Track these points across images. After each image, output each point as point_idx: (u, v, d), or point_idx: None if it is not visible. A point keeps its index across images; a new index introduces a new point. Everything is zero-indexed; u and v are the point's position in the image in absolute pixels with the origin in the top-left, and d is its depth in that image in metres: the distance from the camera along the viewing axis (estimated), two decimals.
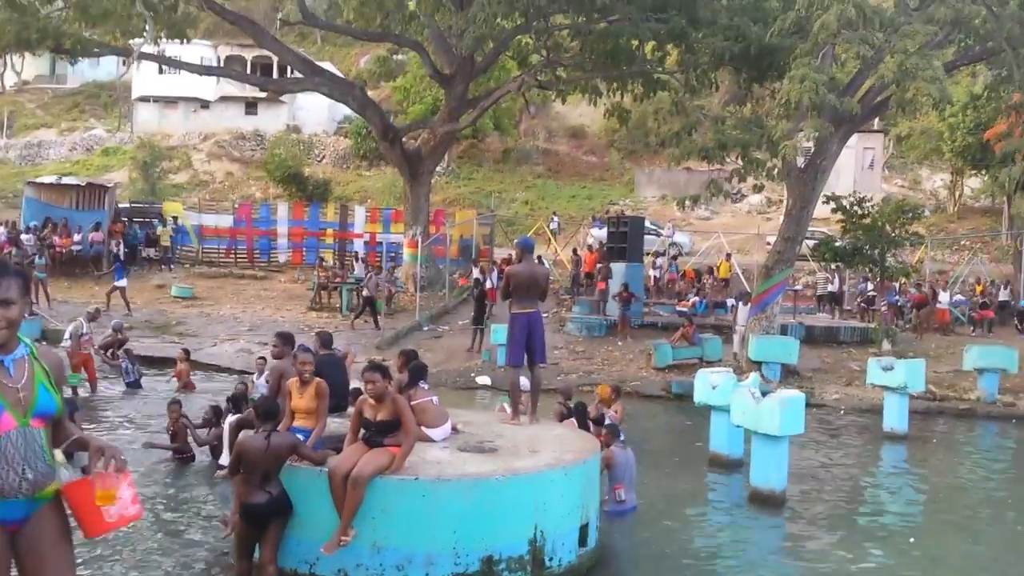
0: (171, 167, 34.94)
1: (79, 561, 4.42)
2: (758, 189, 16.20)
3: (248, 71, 35.70)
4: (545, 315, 19.32)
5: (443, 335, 17.10)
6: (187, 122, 38.56)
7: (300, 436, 5.36)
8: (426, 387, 6.07)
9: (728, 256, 21.91)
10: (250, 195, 32.50)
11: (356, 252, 22.00)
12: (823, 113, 12.69)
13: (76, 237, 20.83)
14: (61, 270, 20.00)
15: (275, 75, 34.63)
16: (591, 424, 7.92)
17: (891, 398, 10.91)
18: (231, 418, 7.42)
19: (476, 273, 18.94)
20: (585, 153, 39.96)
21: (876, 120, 26.39)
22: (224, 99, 38.57)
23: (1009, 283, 20.97)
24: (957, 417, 12.45)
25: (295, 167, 30.92)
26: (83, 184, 22.23)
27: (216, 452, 7.83)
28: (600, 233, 25.37)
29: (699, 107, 17.45)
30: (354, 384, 7.11)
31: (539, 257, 20.98)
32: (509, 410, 7.04)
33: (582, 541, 5.29)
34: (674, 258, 22.46)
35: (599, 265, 18.36)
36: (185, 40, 18.89)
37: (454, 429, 6.02)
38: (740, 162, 14.21)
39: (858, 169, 31.33)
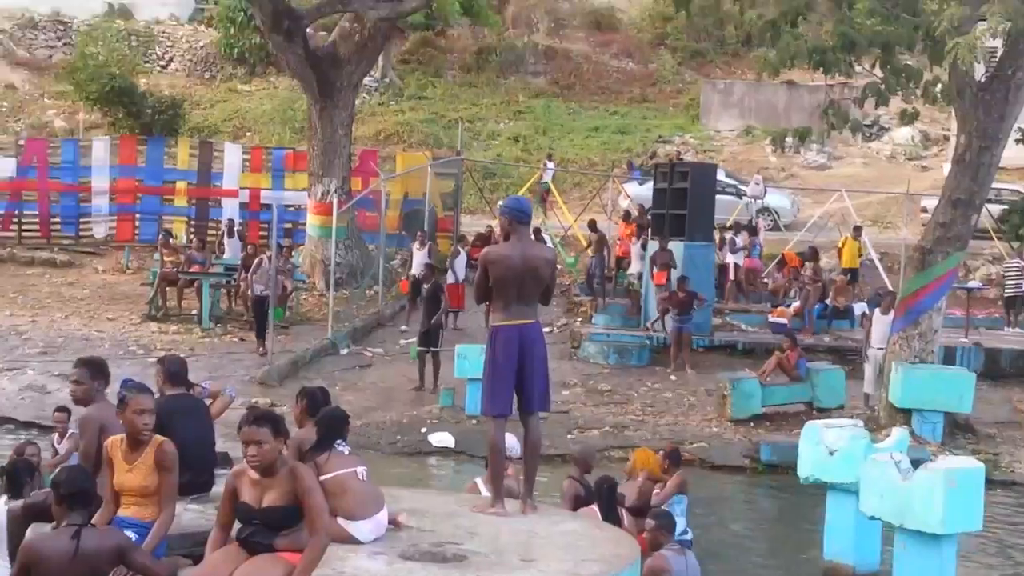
0: None
1: None
2: (908, 119, 16.37)
3: None
4: (548, 329, 19.98)
5: (374, 362, 17.19)
6: None
7: (131, 533, 5.37)
8: (345, 451, 6.05)
9: (857, 231, 22.18)
10: (45, 124, 32.34)
11: (228, 222, 22.00)
12: None
13: None
14: None
15: None
16: (625, 514, 8.04)
17: None
18: (9, 505, 7.35)
19: (420, 256, 19.26)
20: (616, 56, 40.28)
21: None
22: None
23: None
24: None
25: (123, 77, 30.24)
26: None
27: None
28: (640, 191, 25.72)
29: None
30: (225, 447, 7.16)
31: (537, 231, 21.54)
32: (486, 490, 7.13)
33: None
34: (754, 234, 22.64)
35: (650, 245, 18.62)
36: None
37: (392, 522, 6.12)
38: (879, 73, 14.27)
39: None
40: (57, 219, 23.81)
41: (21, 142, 25.31)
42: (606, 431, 14.15)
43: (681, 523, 8.61)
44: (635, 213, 22.48)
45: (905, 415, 13.65)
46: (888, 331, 14.51)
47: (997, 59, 14.38)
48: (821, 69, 14.37)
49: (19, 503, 7.03)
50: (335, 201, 19.31)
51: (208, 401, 7.10)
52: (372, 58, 23.34)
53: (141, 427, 5.59)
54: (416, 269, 18.89)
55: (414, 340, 16.10)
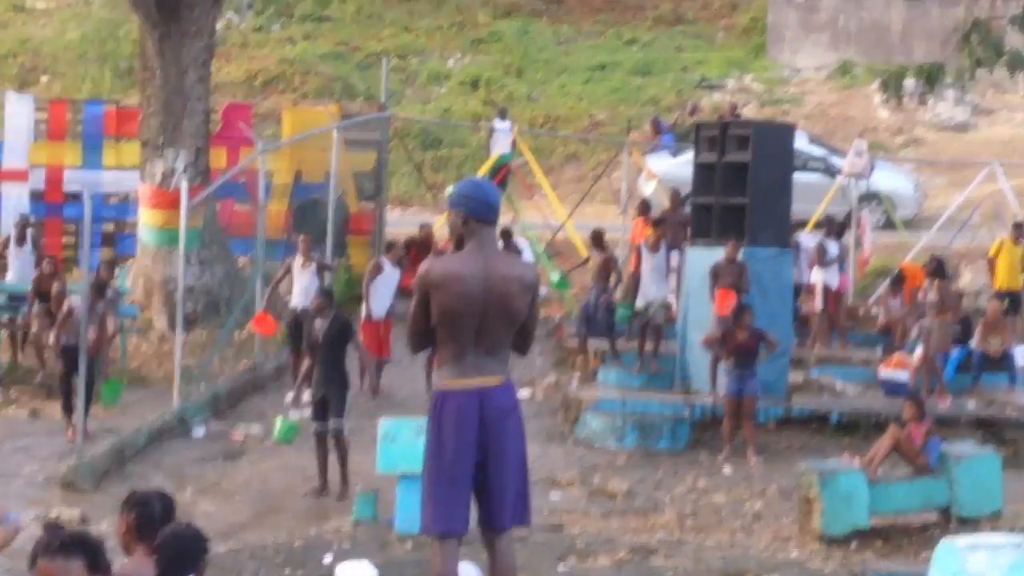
0: None
1: None
2: None
3: None
4: (527, 393, 19.54)
5: (248, 449, 17.20)
6: None
7: None
8: None
9: (1020, 231, 22.28)
10: None
11: (19, 219, 21.84)
12: None
13: None
14: None
15: None
16: None
17: None
18: None
19: (304, 277, 19.02)
20: None
21: None
22: None
23: None
24: None
25: None
26: None
27: None
28: (673, 166, 25.83)
29: None
30: None
31: (507, 235, 21.46)
32: None
33: None
34: (838, 236, 22.70)
35: (689, 252, 18.81)
36: None
37: None
38: None
39: None
40: None
41: None
42: (621, 559, 14.12)
43: None
44: (665, 203, 22.61)
45: None
46: None
47: None
48: None
49: None
50: (184, 187, 19.23)
51: None
52: None
53: None
54: (298, 298, 18.80)
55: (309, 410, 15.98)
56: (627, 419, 17.66)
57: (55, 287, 18.35)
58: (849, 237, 23.21)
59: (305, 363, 15.93)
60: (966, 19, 17.44)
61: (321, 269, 19.45)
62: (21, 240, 20.96)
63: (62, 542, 5.20)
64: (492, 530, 6.96)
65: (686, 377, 18.69)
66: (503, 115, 29.40)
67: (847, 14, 35.86)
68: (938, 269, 19.90)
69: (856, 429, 17.37)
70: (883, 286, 22.70)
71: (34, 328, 18.48)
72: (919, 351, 19.07)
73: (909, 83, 15.78)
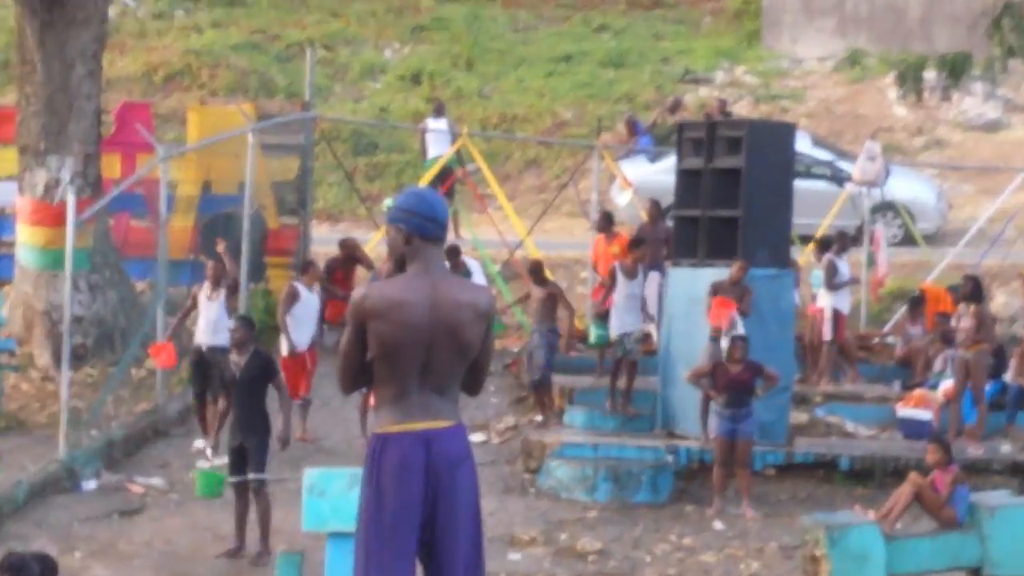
0: None
1: None
2: None
3: None
4: (482, 439, 19.57)
5: (148, 505, 17.15)
6: None
7: None
8: None
9: None
10: None
11: None
12: None
13: None
14: None
15: None
16: None
17: None
18: None
19: (212, 309, 18.95)
20: None
21: None
22: None
23: None
24: None
25: None
26: None
27: None
28: (651, 172, 26.02)
29: None
30: None
31: (454, 252, 21.15)
32: None
33: None
34: (842, 251, 22.55)
35: (672, 273, 18.96)
36: None
37: None
38: None
39: None
40: None
41: None
42: None
43: None
44: (643, 216, 22.74)
45: None
46: None
47: None
48: None
49: None
50: (71, 200, 19.20)
51: None
52: None
53: None
54: (204, 334, 18.81)
55: (223, 460, 15.98)
56: (599, 467, 17.68)
57: None
58: (860, 255, 23.29)
59: (220, 404, 15.90)
60: (996, 2, 17.52)
61: (233, 291, 19.47)
62: None
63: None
64: None
65: (669, 418, 18.80)
66: (439, 112, 29.10)
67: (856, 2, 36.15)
68: (975, 291, 19.47)
69: (870, 477, 17.51)
70: (901, 311, 22.86)
71: None
72: (944, 386, 19.14)
73: (930, 76, 15.82)
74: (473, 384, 7.12)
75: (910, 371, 20.70)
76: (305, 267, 20.75)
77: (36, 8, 21.22)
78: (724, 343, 17.49)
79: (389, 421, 6.88)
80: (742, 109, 31.23)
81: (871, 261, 23.72)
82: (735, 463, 17.05)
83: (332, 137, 28.19)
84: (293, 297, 19.44)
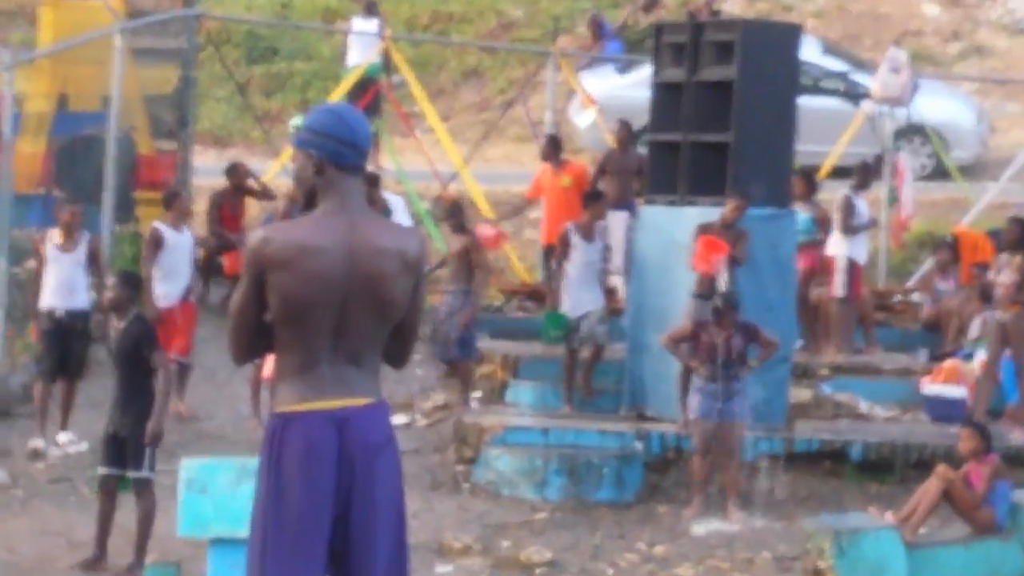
0: None
1: None
2: None
3: None
4: (405, 420, 19.75)
5: None
6: None
7: None
8: None
9: None
10: None
11: None
12: None
13: None
14: None
15: None
16: None
17: None
18: None
19: (68, 261, 18.88)
20: None
21: None
22: None
23: None
24: None
25: None
26: None
27: None
28: (618, 84, 26.28)
29: None
30: None
31: (374, 180, 21.20)
32: None
33: None
34: (863, 187, 22.78)
35: (642, 212, 19.31)
36: None
37: None
38: None
39: None
40: None
41: None
42: None
43: None
44: (609, 142, 22.75)
45: None
46: None
47: None
48: None
49: None
50: None
51: None
52: None
53: None
54: (56, 296, 18.59)
55: (79, 449, 15.76)
56: (550, 457, 17.68)
57: None
58: (880, 190, 23.25)
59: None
60: None
61: (93, 257, 19.06)
62: None
63: None
64: None
65: (638, 395, 18.83)
66: (370, 10, 29.21)
67: None
68: (1023, 237, 19.57)
69: (888, 470, 17.59)
70: (929, 262, 22.82)
71: None
72: (981, 356, 19.15)
73: None
74: (398, 352, 7.07)
75: (939, 337, 20.78)
76: (170, 200, 20.25)
77: None
78: (721, 284, 17.44)
79: (293, 398, 6.82)
80: (734, 7, 31.35)
81: (893, 198, 23.93)
82: (721, 452, 17.03)
83: (221, 41, 28.06)
84: (157, 243, 19.19)
